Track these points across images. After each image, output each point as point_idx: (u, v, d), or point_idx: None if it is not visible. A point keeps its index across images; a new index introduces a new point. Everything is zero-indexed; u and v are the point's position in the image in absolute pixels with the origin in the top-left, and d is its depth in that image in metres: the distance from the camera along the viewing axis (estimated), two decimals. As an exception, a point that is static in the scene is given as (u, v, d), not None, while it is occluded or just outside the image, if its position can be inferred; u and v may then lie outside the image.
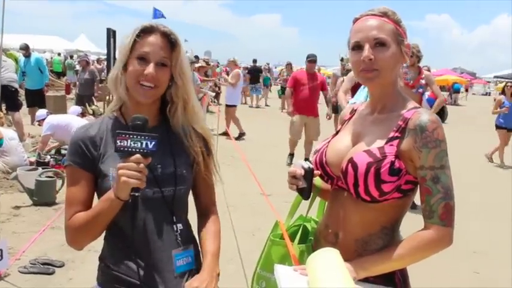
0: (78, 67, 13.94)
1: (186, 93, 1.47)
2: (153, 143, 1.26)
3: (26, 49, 9.71)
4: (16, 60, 11.64)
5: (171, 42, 1.41)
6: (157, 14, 10.85)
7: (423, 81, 5.39)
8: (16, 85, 8.42)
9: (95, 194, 1.46)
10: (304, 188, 1.49)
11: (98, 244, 4.60)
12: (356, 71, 1.42)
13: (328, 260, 1.28)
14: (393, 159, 1.32)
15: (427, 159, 1.31)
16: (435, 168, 1.31)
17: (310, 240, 1.62)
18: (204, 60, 13.47)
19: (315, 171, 1.50)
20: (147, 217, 1.42)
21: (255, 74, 18.36)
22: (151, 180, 1.35)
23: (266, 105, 19.23)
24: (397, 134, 1.36)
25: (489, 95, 31.44)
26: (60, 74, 15.91)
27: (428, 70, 6.83)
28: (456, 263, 4.18)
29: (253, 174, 4.14)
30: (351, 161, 1.36)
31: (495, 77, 35.20)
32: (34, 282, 3.44)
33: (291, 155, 7.92)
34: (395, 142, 1.35)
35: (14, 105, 8.38)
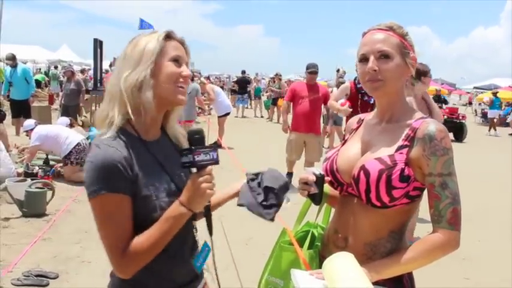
0: (62, 78, 13.83)
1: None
2: (216, 153, 1.31)
3: (12, 59, 9.66)
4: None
5: (186, 49, 1.44)
6: (143, 24, 10.88)
7: None
8: None
9: None
10: (316, 194, 1.54)
11: (89, 254, 4.61)
12: (363, 81, 1.50)
13: (346, 262, 1.33)
14: (403, 167, 1.39)
15: (435, 167, 1.37)
16: (443, 175, 1.37)
17: (317, 245, 1.66)
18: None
19: (326, 178, 1.55)
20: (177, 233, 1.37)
21: (242, 85, 18.49)
22: (174, 191, 1.36)
23: (261, 116, 19.21)
24: (406, 143, 1.42)
25: (470, 104, 32.05)
26: (40, 84, 15.72)
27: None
28: (446, 269, 4.26)
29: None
30: (363, 168, 1.42)
31: (475, 87, 35.94)
32: (28, 294, 3.41)
33: (289, 174, 6.79)
34: (405, 150, 1.41)
35: None
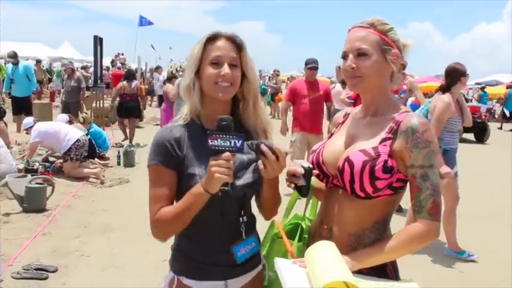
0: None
1: (256, 89, 1.61)
2: (240, 141, 1.37)
3: (14, 57, 9.79)
4: (0, 67, 11.61)
5: (236, 44, 1.55)
6: (143, 21, 10.92)
7: (405, 87, 5.58)
8: None
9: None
10: (303, 186, 1.58)
11: (88, 248, 4.69)
12: (345, 77, 1.57)
13: (326, 251, 1.37)
14: (386, 158, 1.43)
15: (417, 159, 1.42)
16: (424, 167, 1.42)
17: (305, 238, 1.70)
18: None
19: (313, 171, 1.60)
20: (221, 210, 1.53)
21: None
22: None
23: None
24: (389, 135, 1.47)
25: (471, 101, 31.97)
26: (40, 82, 15.77)
27: (412, 77, 6.94)
28: (441, 264, 4.31)
29: None
30: (348, 159, 1.47)
31: (476, 83, 35.85)
32: (28, 287, 3.46)
33: None
34: (388, 143, 1.46)
35: None
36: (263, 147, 1.42)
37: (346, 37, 1.56)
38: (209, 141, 1.35)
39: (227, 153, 1.36)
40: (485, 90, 21.23)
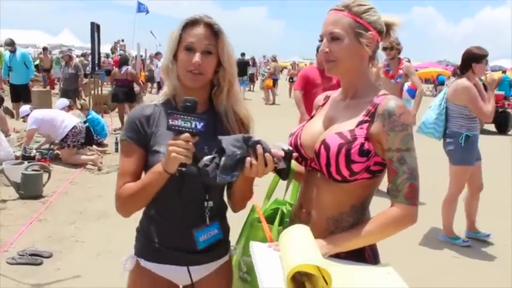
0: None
1: (232, 77, 1.61)
2: (202, 123, 1.37)
3: (11, 44, 9.84)
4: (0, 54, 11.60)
5: (214, 31, 1.54)
6: (141, 8, 10.89)
7: (401, 72, 5.53)
8: None
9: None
10: (283, 169, 1.57)
11: (83, 234, 4.70)
12: (323, 61, 1.55)
13: (299, 235, 1.37)
14: (363, 141, 1.42)
15: (394, 142, 1.41)
16: (401, 150, 1.41)
17: (286, 222, 1.70)
18: None
19: (293, 154, 1.59)
20: (184, 192, 1.53)
21: (242, 67, 18.56)
22: (196, 160, 1.44)
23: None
24: (367, 118, 1.45)
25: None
26: (47, 70, 15.73)
27: (409, 61, 6.84)
28: (436, 250, 4.32)
29: None
30: (324, 142, 1.46)
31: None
32: (22, 272, 3.50)
33: None
34: (365, 126, 1.44)
35: None
36: (259, 150, 1.41)
37: (324, 20, 1.53)
38: (169, 120, 1.36)
39: (186, 134, 1.36)
40: (506, 73, 18.26)
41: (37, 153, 6.44)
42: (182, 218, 1.57)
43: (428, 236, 4.58)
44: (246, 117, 1.67)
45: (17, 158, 6.17)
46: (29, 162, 5.57)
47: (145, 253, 1.62)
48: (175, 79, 1.57)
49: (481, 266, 4.02)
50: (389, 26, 1.57)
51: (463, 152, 4.26)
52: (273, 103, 17.92)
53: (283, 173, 1.57)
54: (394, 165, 1.41)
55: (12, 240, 4.03)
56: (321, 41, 1.52)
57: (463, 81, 4.19)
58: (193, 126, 1.36)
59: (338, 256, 1.43)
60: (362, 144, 1.41)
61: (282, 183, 1.73)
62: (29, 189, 5.15)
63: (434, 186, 4.68)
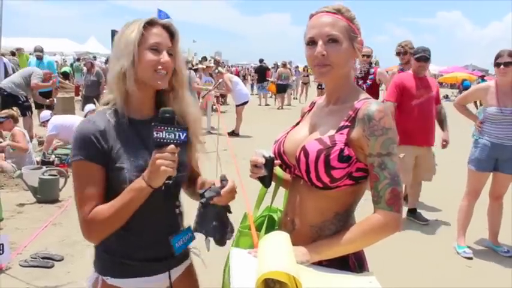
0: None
1: (185, 79, 1.59)
2: (185, 134, 1.37)
3: (41, 51, 10.31)
4: (27, 59, 12.01)
5: (171, 33, 1.52)
6: (161, 15, 11.03)
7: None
8: (10, 90, 8.15)
9: None
10: (265, 177, 1.58)
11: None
12: (311, 65, 1.50)
13: (275, 242, 1.35)
14: (342, 147, 1.39)
15: (374, 147, 1.38)
16: (382, 155, 1.38)
17: (276, 229, 1.69)
18: (215, 59, 13.58)
19: (275, 161, 1.59)
20: (155, 204, 1.46)
21: (261, 73, 18.61)
22: None
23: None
24: (347, 123, 1.43)
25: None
26: (67, 76, 16.12)
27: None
28: (448, 258, 4.23)
29: (237, 169, 4.13)
30: (303, 149, 1.44)
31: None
32: (33, 275, 3.57)
33: (413, 211, 5.11)
34: (346, 131, 1.42)
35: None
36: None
37: (310, 22, 1.49)
38: (154, 133, 1.33)
39: (172, 146, 1.34)
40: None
41: (56, 159, 6.59)
42: (155, 229, 1.54)
43: (442, 242, 4.50)
44: (196, 120, 1.63)
45: (37, 163, 6.33)
46: (47, 167, 5.70)
47: (114, 270, 1.53)
48: (133, 85, 1.45)
49: (493, 276, 3.91)
50: None
51: (472, 154, 4.25)
52: (280, 108, 17.79)
53: (266, 180, 1.58)
54: (375, 171, 1.39)
55: (26, 243, 4.12)
56: (310, 43, 1.47)
57: (488, 82, 4.19)
58: (177, 137, 1.35)
59: (320, 264, 1.41)
60: (341, 150, 1.39)
61: (278, 192, 1.72)
62: (46, 194, 5.27)
63: (453, 193, 4.59)
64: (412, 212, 5.07)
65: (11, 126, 6.28)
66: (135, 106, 1.51)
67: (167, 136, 1.34)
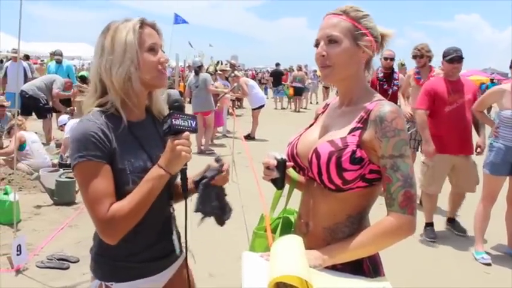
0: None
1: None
2: (195, 122, 1.41)
3: (61, 55, 10.47)
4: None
5: (157, 31, 1.54)
6: (178, 19, 11.16)
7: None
8: (31, 92, 8.42)
9: None
10: (278, 179, 1.57)
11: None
12: (318, 67, 1.52)
13: (288, 246, 1.34)
14: (354, 149, 1.38)
15: (386, 148, 1.36)
16: (394, 157, 1.36)
17: (292, 231, 1.68)
18: (231, 63, 13.64)
19: (288, 163, 1.58)
20: (157, 203, 1.45)
21: (277, 77, 18.63)
22: (150, 169, 1.42)
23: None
24: (359, 125, 1.42)
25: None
26: (85, 80, 16.38)
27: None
28: (466, 264, 4.16)
29: (255, 173, 4.13)
30: (315, 151, 1.43)
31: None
32: (49, 276, 3.62)
33: (430, 224, 4.74)
34: (358, 132, 1.41)
35: (38, 114, 8.80)
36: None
37: (320, 25, 1.51)
38: (172, 120, 1.36)
39: (187, 133, 1.38)
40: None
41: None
42: (156, 229, 1.55)
43: (460, 248, 4.43)
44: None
45: (54, 165, 6.42)
46: (64, 170, 5.77)
47: (117, 275, 1.51)
48: (140, 86, 1.46)
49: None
50: (383, 37, 1.54)
51: (487, 158, 4.20)
52: (296, 111, 17.87)
53: (278, 182, 1.58)
54: (388, 173, 1.37)
55: (42, 244, 4.17)
56: (317, 46, 1.49)
57: (503, 84, 4.11)
58: (189, 125, 1.39)
59: (334, 268, 1.40)
60: (353, 152, 1.38)
61: (293, 194, 1.71)
62: (62, 196, 5.33)
63: (471, 198, 4.53)
64: (451, 221, 4.94)
65: None
66: (130, 108, 1.50)
67: (182, 123, 1.38)
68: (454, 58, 4.41)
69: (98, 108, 1.46)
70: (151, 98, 1.60)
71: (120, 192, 1.39)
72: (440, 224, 4.98)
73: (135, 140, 1.49)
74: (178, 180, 1.54)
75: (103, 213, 1.35)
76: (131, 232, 1.41)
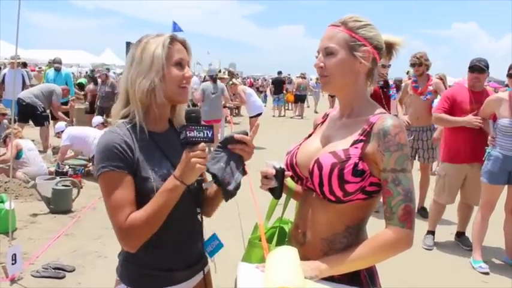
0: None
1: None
2: (211, 132, 1.41)
3: (60, 63, 10.50)
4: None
5: (186, 48, 1.58)
6: (176, 27, 11.26)
7: (431, 88, 5.39)
8: (29, 100, 8.42)
9: None
10: (276, 188, 1.56)
11: (107, 250, 4.76)
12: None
13: (282, 257, 1.33)
14: (357, 161, 1.38)
15: (388, 162, 1.36)
16: (396, 171, 1.36)
17: (287, 241, 1.67)
18: (228, 71, 13.68)
19: (286, 172, 1.57)
20: (178, 212, 1.47)
21: (278, 85, 18.70)
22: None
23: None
24: (362, 137, 1.42)
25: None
26: (83, 87, 16.39)
27: (441, 78, 6.54)
28: (464, 273, 4.14)
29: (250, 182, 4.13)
30: (317, 161, 1.43)
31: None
32: (45, 285, 3.58)
33: (431, 233, 4.77)
34: (360, 145, 1.41)
35: (35, 122, 8.78)
36: (236, 140, 1.52)
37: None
38: (187, 132, 1.37)
39: (203, 144, 1.38)
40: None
41: (70, 169, 6.64)
42: (183, 237, 1.57)
43: (458, 256, 4.41)
44: None
45: (50, 173, 6.39)
46: (61, 178, 5.74)
47: (142, 283, 1.54)
48: (163, 99, 1.50)
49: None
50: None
51: (484, 166, 4.19)
52: (299, 116, 18.01)
53: (276, 192, 1.57)
54: (389, 186, 1.37)
55: (38, 253, 4.14)
56: (316, 57, 1.51)
57: (500, 93, 4.16)
58: (205, 135, 1.40)
59: (331, 279, 1.39)
60: (356, 164, 1.37)
61: (290, 203, 1.70)
62: (59, 204, 5.29)
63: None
64: (459, 235, 4.85)
65: None
66: (153, 119, 1.55)
67: (197, 135, 1.38)
68: (474, 67, 4.33)
69: (123, 120, 1.51)
70: (175, 111, 1.64)
71: (146, 200, 1.42)
72: (440, 233, 4.96)
73: (159, 150, 1.52)
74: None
75: (122, 222, 1.39)
76: (158, 241, 1.46)
